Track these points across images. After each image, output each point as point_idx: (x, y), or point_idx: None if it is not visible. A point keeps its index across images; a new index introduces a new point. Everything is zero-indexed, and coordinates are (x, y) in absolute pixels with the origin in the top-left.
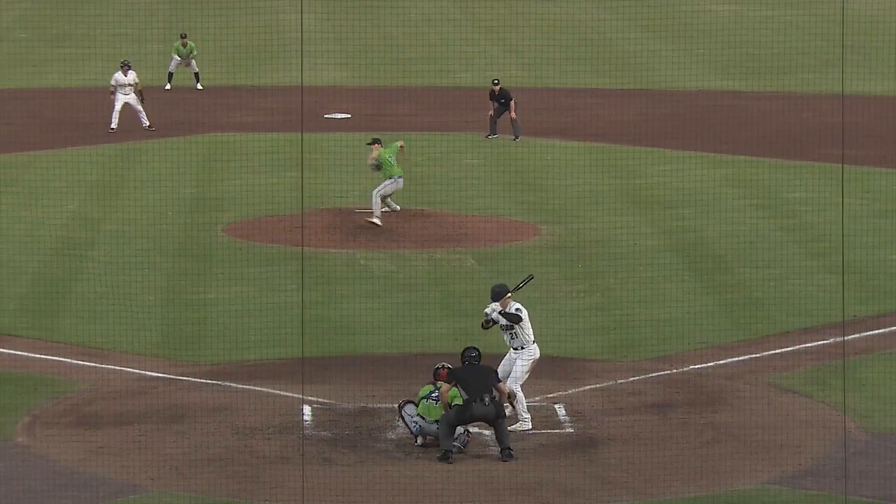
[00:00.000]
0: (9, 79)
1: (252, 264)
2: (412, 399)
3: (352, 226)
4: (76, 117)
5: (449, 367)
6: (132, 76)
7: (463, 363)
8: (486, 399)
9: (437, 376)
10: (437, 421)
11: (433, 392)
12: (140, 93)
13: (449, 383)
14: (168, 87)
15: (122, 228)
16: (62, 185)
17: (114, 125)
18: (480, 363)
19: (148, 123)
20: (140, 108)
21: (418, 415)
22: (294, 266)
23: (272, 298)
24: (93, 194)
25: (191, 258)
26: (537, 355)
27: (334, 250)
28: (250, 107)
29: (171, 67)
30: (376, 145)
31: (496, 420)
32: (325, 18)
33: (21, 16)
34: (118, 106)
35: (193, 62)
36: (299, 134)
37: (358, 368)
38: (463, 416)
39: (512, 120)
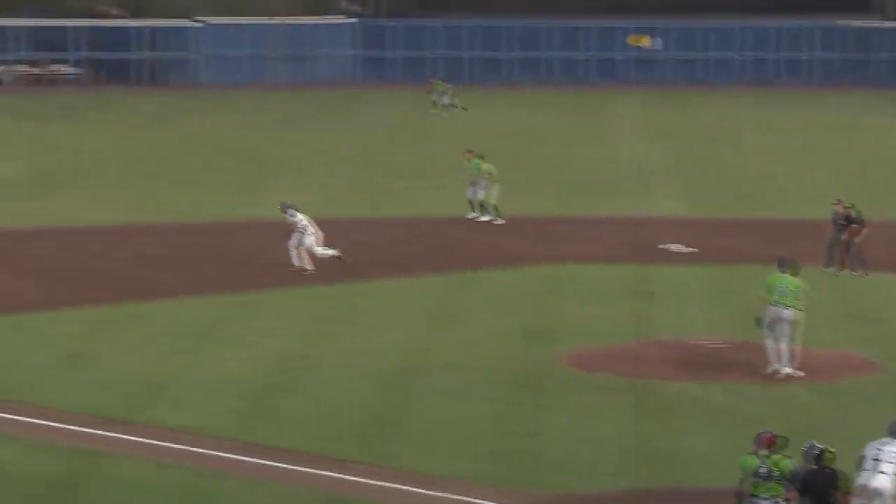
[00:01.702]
0: (347, 207)
1: (586, 393)
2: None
3: (688, 357)
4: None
5: (777, 436)
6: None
7: (808, 462)
8: None
9: (761, 443)
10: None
11: (761, 467)
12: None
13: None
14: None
15: (454, 357)
16: (392, 313)
17: None
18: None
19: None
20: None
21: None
22: (627, 397)
23: (605, 428)
24: (423, 322)
25: (523, 387)
26: None
27: (669, 382)
28: (585, 237)
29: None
30: None
31: None
32: (659, 149)
33: (364, 146)
34: None
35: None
36: (635, 264)
37: (694, 500)
38: None
39: (856, 249)
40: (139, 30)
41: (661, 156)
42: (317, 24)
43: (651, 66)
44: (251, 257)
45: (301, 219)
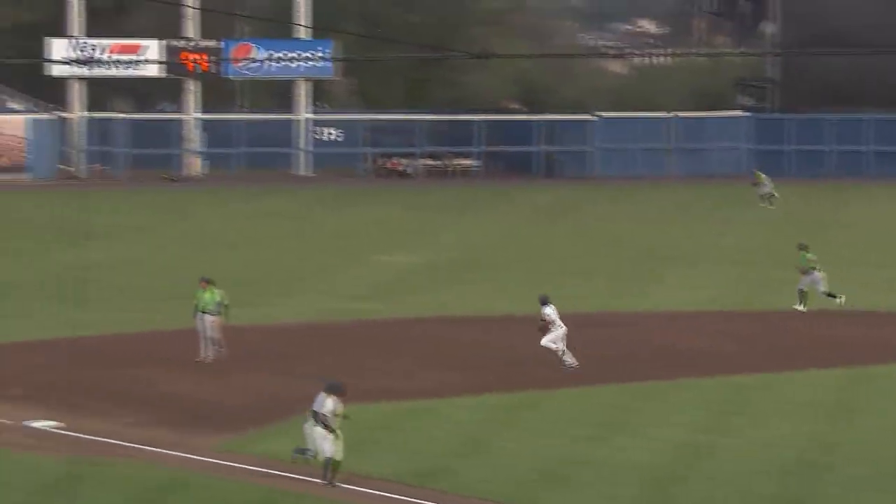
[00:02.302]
0: (731, 299)
1: None
2: None
3: None
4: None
5: None
6: None
7: None
8: None
9: None
10: None
11: None
12: None
13: None
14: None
15: (859, 451)
16: (785, 405)
17: None
18: None
19: None
20: None
21: None
22: None
23: None
24: (818, 415)
25: None
26: None
27: None
28: None
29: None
30: None
31: None
32: None
33: (754, 239)
34: None
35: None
36: None
37: None
38: None
39: None
40: (538, 123)
41: None
42: (712, 119)
43: None
44: (643, 347)
45: (551, 313)
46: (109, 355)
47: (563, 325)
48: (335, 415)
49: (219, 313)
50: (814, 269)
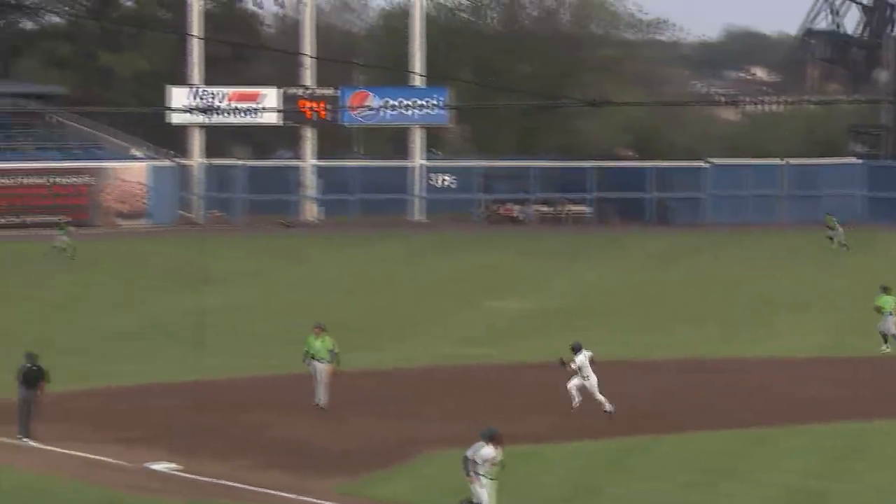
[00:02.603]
0: (845, 347)
1: None
2: None
3: None
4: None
5: None
6: None
7: None
8: None
9: None
10: None
11: None
12: None
13: None
14: None
15: None
16: None
17: None
18: None
19: None
20: None
21: None
22: None
23: None
24: None
25: None
26: None
27: None
28: None
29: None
30: None
31: None
32: None
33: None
34: None
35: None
36: None
37: None
38: None
39: None
40: (650, 170)
41: None
42: (825, 165)
43: None
44: (753, 393)
45: (583, 360)
46: (226, 399)
47: (592, 374)
48: (493, 462)
49: (330, 361)
50: (889, 312)
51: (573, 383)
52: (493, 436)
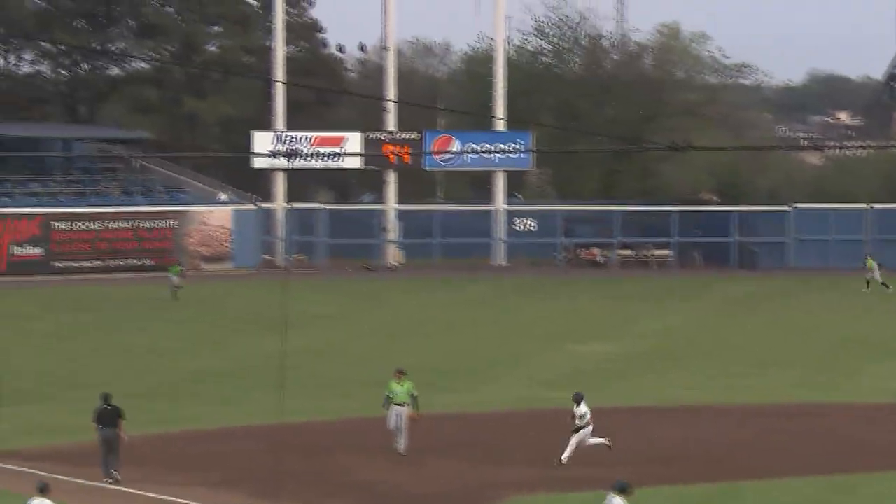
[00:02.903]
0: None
1: None
2: None
3: None
4: None
5: None
6: None
7: None
8: None
9: None
10: None
11: None
12: None
13: None
14: None
15: None
16: None
17: None
18: None
19: None
20: None
21: None
22: None
23: None
24: None
25: None
26: None
27: None
28: None
29: None
30: None
31: None
32: None
33: None
34: None
35: None
36: None
37: None
38: None
39: None
40: (734, 214)
41: None
42: None
43: None
44: (837, 439)
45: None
46: (306, 442)
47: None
48: None
49: (410, 405)
50: None
51: (592, 439)
52: (623, 488)
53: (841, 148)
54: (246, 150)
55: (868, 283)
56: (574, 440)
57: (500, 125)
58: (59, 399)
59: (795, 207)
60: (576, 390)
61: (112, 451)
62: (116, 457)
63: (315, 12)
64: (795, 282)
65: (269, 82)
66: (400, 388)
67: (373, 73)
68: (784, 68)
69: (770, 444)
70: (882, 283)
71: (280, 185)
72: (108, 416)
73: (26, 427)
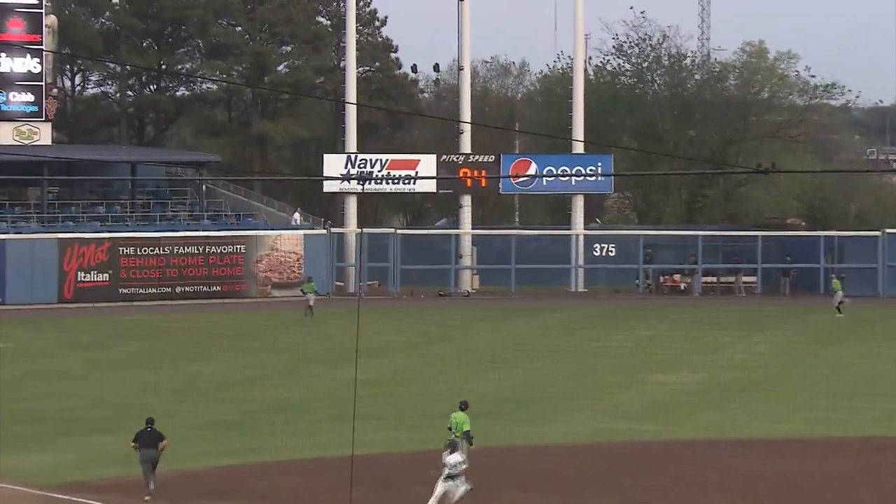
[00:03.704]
0: None
1: None
2: None
3: None
4: None
5: None
6: None
7: None
8: None
9: None
10: None
11: None
12: None
13: None
14: None
15: None
16: None
17: None
18: None
19: None
20: None
21: None
22: None
23: None
24: None
25: None
26: None
27: None
28: None
29: None
30: None
31: None
32: None
33: None
34: None
35: None
36: None
37: None
38: None
39: None
40: (823, 240)
41: None
42: None
43: None
44: None
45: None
46: (381, 474)
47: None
48: None
49: (463, 438)
50: None
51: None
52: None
53: None
54: (317, 172)
55: (837, 306)
56: (440, 488)
57: (579, 148)
58: (128, 430)
59: (887, 233)
60: (449, 438)
61: (152, 469)
62: (153, 472)
63: (388, 31)
64: (888, 310)
65: (340, 103)
66: (458, 421)
67: (447, 93)
68: (874, 88)
69: (872, 481)
70: (836, 306)
71: (352, 209)
72: (149, 438)
73: (93, 458)
